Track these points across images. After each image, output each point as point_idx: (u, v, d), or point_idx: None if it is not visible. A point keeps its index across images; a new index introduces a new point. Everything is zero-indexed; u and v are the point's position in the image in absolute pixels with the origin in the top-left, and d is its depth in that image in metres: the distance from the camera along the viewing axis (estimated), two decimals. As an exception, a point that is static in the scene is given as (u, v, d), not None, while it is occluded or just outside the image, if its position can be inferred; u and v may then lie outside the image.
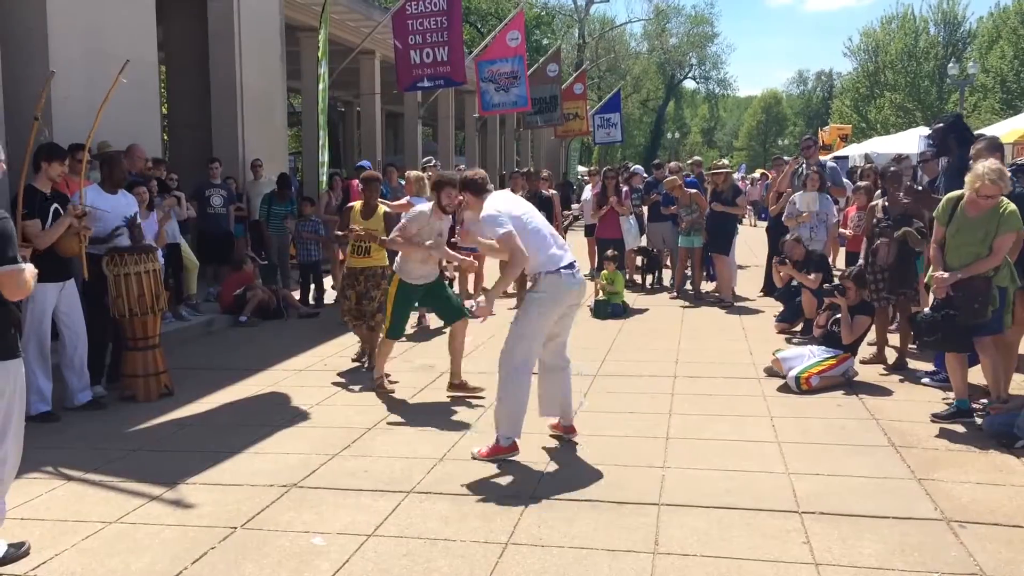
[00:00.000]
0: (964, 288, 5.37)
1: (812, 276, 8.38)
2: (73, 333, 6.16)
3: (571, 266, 4.96)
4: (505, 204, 5.01)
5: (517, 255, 4.81)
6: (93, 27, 8.90)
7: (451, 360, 6.57)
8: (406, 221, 6.40)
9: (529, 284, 5.29)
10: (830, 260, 10.29)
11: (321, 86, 11.97)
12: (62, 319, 6.11)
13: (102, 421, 5.97)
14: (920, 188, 7.19)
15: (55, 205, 5.80)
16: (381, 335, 6.75)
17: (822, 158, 11.94)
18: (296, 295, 10.88)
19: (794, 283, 8.67)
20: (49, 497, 4.51)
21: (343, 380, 7.07)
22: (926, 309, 5.57)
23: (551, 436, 5.33)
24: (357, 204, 7.58)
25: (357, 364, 7.60)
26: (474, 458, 4.96)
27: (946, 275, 5.42)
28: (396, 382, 6.83)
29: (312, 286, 10.88)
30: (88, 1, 8.96)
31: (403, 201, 9.32)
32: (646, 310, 10.52)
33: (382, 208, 7.52)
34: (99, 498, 4.51)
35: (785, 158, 13.18)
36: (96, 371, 6.52)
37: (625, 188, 12.05)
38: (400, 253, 6.46)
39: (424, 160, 13.93)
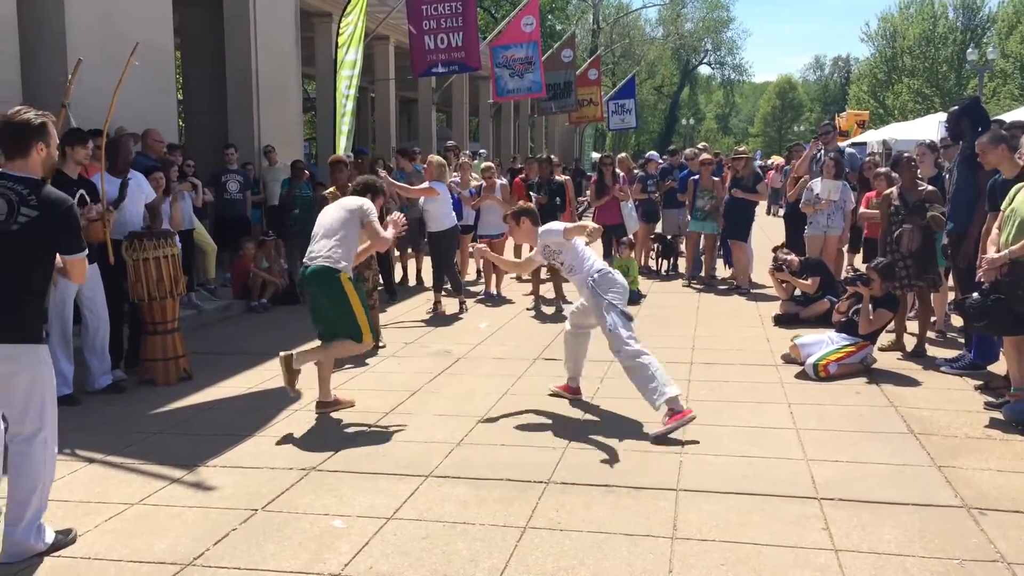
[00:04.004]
0: (1012, 273, 5.28)
1: (809, 280, 8.43)
2: (96, 317, 6.21)
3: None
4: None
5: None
6: (110, 13, 8.93)
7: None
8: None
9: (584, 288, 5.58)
10: (844, 249, 10.25)
11: (355, 71, 11.90)
12: (85, 303, 6.17)
13: (123, 404, 6.02)
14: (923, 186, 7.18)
15: (81, 191, 5.84)
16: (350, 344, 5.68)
17: (840, 144, 11.86)
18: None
19: (797, 292, 8.68)
20: (71, 479, 4.55)
21: (358, 365, 7.09)
22: (975, 294, 5.50)
23: (551, 395, 5.98)
24: (332, 188, 7.70)
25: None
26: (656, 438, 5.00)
27: (995, 256, 5.33)
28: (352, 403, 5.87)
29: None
30: (105, -13, 8.98)
31: (424, 186, 9.36)
32: (661, 297, 10.50)
33: None
34: (121, 480, 4.55)
35: (803, 144, 13.10)
36: (114, 355, 6.57)
37: (622, 173, 12.04)
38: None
39: (480, 151, 13.91)
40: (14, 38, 7.89)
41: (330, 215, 5.72)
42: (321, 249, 5.53)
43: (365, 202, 5.77)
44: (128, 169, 6.83)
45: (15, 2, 7.90)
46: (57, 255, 3.73)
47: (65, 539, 3.80)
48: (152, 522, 3.99)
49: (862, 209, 9.10)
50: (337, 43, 11.57)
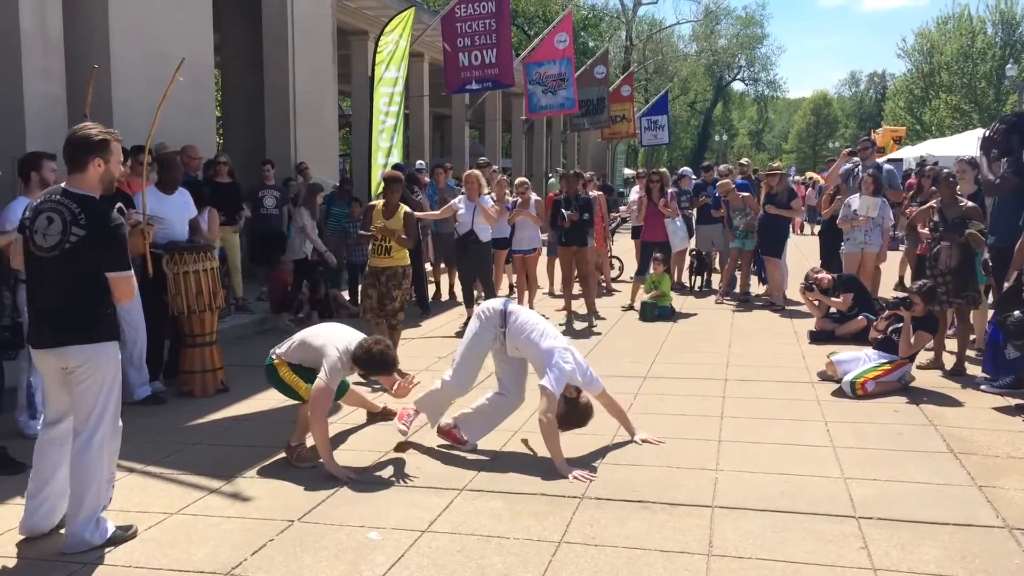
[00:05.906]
0: None
1: (840, 297, 8.35)
2: (133, 329, 6.30)
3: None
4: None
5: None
6: (152, 30, 9.13)
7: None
8: None
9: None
10: (882, 265, 10.13)
11: (395, 88, 12.04)
12: (122, 315, 6.22)
13: (161, 416, 6.11)
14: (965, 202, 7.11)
15: (118, 204, 5.94)
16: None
17: (877, 160, 11.75)
18: (345, 295, 11.00)
19: (832, 309, 8.58)
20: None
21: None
22: (1016, 312, 5.42)
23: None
24: (379, 203, 7.62)
25: None
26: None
27: None
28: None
29: (360, 286, 10.97)
30: (148, 4, 9.19)
31: (447, 207, 9.37)
32: (694, 313, 10.45)
33: (403, 208, 7.53)
34: (160, 490, 4.61)
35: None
36: (154, 367, 6.67)
37: (670, 190, 11.99)
38: None
39: (558, 168, 13.83)
40: (60, 54, 8.08)
41: (322, 338, 5.20)
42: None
43: (336, 362, 4.91)
44: (177, 186, 6.95)
45: (61, 20, 8.10)
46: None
47: (124, 534, 3.94)
48: (191, 531, 4.04)
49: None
50: (375, 60, 11.70)
